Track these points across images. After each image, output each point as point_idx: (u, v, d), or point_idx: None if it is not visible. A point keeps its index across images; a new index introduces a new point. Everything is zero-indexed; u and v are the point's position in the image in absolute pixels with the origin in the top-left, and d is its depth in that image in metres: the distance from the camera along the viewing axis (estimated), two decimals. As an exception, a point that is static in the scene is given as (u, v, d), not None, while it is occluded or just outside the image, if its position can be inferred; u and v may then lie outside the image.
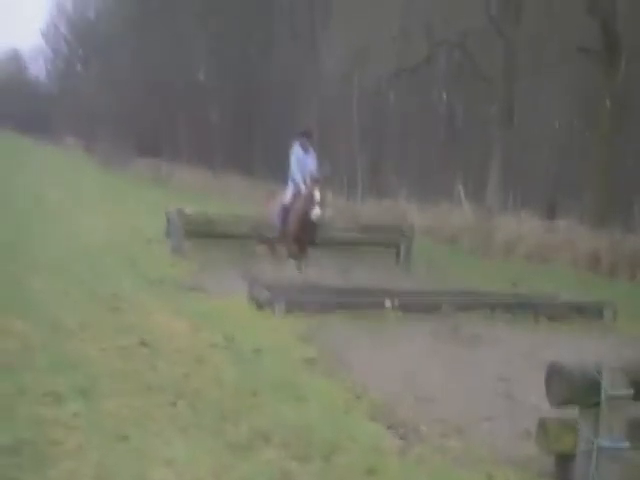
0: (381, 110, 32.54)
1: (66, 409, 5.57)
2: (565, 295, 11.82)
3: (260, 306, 9.86)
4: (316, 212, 12.09)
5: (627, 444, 4.95)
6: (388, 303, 9.78)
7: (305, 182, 12.74)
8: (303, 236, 12.72)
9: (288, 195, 13.14)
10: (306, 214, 12.28)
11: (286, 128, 35.63)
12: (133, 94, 44.92)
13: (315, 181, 12.49)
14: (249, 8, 36.56)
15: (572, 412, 5.06)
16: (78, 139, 62.78)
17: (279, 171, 31.87)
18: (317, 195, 12.16)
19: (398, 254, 16.35)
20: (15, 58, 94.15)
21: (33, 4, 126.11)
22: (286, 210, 13.02)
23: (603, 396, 4.91)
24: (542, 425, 5.21)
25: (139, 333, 7.89)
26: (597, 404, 4.93)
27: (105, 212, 20.37)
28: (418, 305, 9.94)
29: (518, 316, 10.55)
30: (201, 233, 15.44)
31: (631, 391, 4.97)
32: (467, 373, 7.69)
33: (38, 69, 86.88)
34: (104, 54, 52.22)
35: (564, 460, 5.10)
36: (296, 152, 13.14)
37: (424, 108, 32.14)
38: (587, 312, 11.23)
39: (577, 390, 4.98)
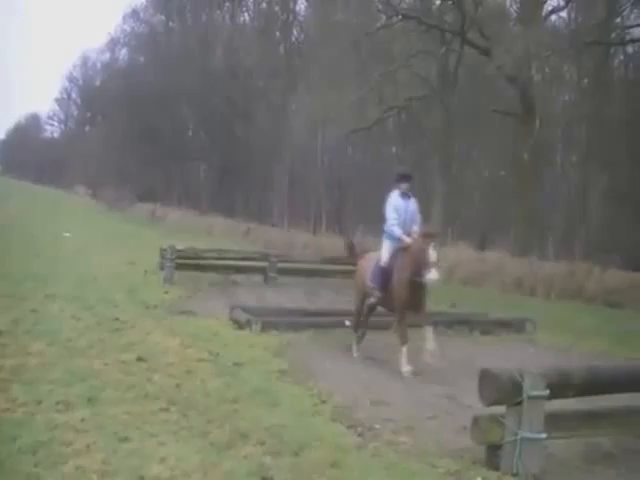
0: (341, 162, 32.81)
1: (75, 415, 5.50)
2: (494, 313, 11.89)
3: (240, 326, 9.80)
4: (432, 275, 7.94)
5: (545, 435, 5.00)
6: (348, 322, 9.74)
7: (410, 236, 8.66)
8: (412, 303, 8.38)
9: (386, 254, 8.83)
10: (416, 277, 8.19)
11: (262, 176, 35.89)
12: (132, 149, 44.85)
13: (429, 235, 8.32)
14: (230, 78, 36.88)
15: (500, 410, 5.08)
16: (86, 188, 62.47)
17: (255, 212, 32.11)
18: (433, 254, 8.01)
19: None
20: (35, 120, 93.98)
21: (49, 73, 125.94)
22: (386, 273, 8.73)
23: (525, 396, 4.96)
24: (475, 421, 5.22)
25: (137, 350, 7.81)
26: (520, 403, 4.98)
27: (109, 248, 20.18)
28: (373, 323, 9.91)
29: (457, 331, 10.60)
30: (190, 265, 15.41)
31: (547, 392, 5.02)
32: (415, 380, 7.68)
33: (53, 129, 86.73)
34: (108, 116, 52.12)
35: (493, 450, 5.11)
36: (394, 201, 8.84)
37: (377, 160, 32.53)
38: (512, 326, 11.32)
39: (503, 392, 5.03)
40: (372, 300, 9.07)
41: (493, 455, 5.11)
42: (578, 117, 26.78)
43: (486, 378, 5.11)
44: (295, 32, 40.87)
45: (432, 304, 13.06)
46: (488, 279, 18.04)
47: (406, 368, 8.00)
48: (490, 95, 24.32)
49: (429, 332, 8.16)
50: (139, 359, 7.42)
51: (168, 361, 7.54)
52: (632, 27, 21.98)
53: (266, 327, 9.54)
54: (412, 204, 8.93)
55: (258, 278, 15.82)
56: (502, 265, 18.40)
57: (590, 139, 24.69)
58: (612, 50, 24.73)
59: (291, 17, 39.09)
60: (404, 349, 8.18)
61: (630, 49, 26.21)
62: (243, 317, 9.91)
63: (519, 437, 4.95)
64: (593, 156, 24.49)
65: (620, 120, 24.93)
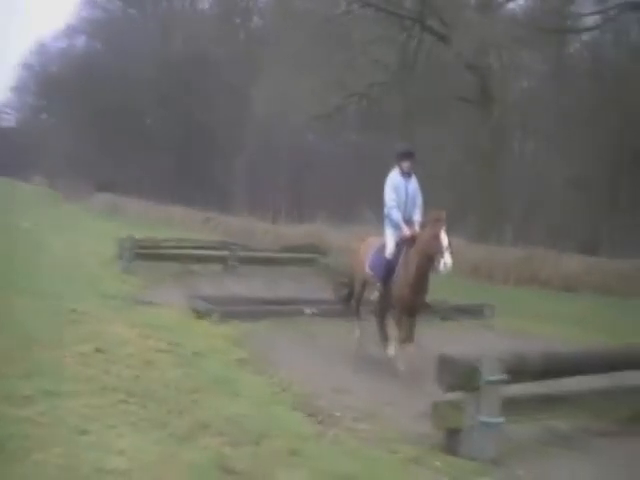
0: (302, 149, 32.74)
1: (34, 408, 5.40)
2: (453, 299, 11.99)
3: (199, 316, 9.74)
4: (446, 262, 7.36)
5: (502, 419, 5.07)
6: (307, 310, 9.76)
7: (410, 222, 8.19)
8: (414, 299, 7.89)
9: (390, 244, 8.21)
10: (426, 264, 7.66)
11: (222, 164, 35.67)
12: (90, 138, 44.17)
13: (439, 219, 7.59)
14: (191, 66, 36.53)
15: (459, 395, 5.13)
16: (44, 177, 61.35)
17: (216, 201, 31.90)
18: (445, 238, 7.44)
19: (316, 269, 16.42)
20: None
21: (2, 61, 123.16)
22: (389, 266, 8.13)
23: (482, 381, 5.02)
24: (435, 407, 5.29)
25: (96, 341, 7.67)
26: (478, 388, 5.03)
27: (66, 239, 19.86)
28: (333, 311, 9.93)
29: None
30: (149, 255, 15.25)
31: (505, 376, 5.08)
32: (376, 367, 7.73)
33: (9, 119, 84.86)
34: (65, 104, 51.20)
35: (453, 434, 5.18)
36: (394, 180, 8.22)
37: (338, 147, 32.55)
38: (471, 312, 11.46)
39: (462, 377, 5.09)
40: (376, 294, 8.45)
41: (452, 440, 5.18)
42: (537, 104, 27.13)
43: (444, 364, 5.17)
44: (255, 19, 40.69)
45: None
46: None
47: (401, 367, 7.66)
48: (450, 82, 24.42)
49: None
50: (97, 350, 7.30)
51: (127, 352, 7.44)
52: (586, 15, 22.22)
53: (226, 316, 9.51)
54: (413, 184, 8.30)
55: (218, 267, 15.74)
56: (460, 251, 18.54)
57: (549, 126, 25.01)
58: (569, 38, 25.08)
59: (251, 3, 38.85)
60: (391, 347, 8.02)
61: (585, 37, 26.62)
62: (202, 307, 9.86)
63: (477, 422, 5.02)
64: (552, 142, 24.83)
65: (578, 107, 25.29)
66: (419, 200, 8.34)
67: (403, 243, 8.06)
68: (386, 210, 8.23)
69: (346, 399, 6.34)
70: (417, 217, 8.27)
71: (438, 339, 8.92)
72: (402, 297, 7.88)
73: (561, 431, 5.76)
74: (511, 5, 24.71)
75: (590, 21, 22.12)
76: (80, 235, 21.50)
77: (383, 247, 8.32)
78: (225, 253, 15.90)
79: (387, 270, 8.12)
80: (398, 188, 8.17)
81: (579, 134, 23.71)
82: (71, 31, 53.59)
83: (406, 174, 8.19)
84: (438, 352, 5.32)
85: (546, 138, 25.32)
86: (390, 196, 8.17)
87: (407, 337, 7.83)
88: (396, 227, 8.17)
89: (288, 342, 8.69)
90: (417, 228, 8.10)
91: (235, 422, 5.41)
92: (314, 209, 25.77)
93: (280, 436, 5.18)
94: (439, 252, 7.38)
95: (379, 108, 26.24)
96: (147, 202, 36.73)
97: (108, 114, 40.85)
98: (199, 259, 15.81)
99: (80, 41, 52.60)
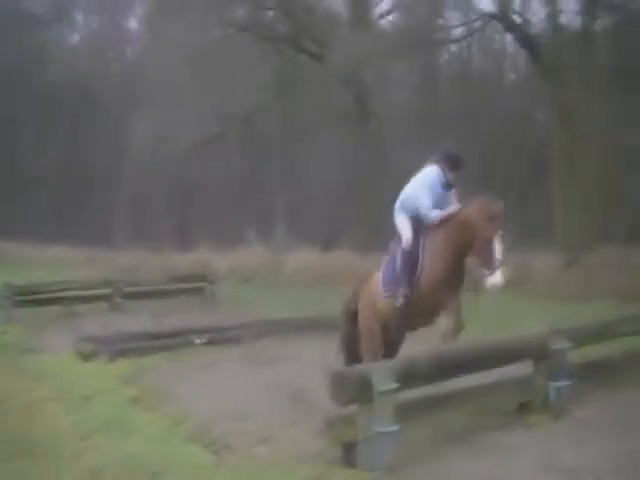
0: (185, 176, 32.51)
1: None
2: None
3: (86, 358, 9.48)
4: (496, 280, 5.79)
5: (396, 427, 5.20)
6: (197, 340, 9.69)
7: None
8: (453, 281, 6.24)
9: (407, 230, 6.49)
10: (454, 278, 6.18)
11: (104, 199, 34.86)
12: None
13: (494, 216, 5.88)
14: (65, 100, 35.62)
15: (353, 408, 5.23)
16: None
17: (99, 237, 31.04)
18: (499, 247, 5.80)
19: (204, 297, 16.45)
20: None
21: None
22: (413, 258, 6.35)
23: (375, 392, 5.12)
24: (330, 423, 5.36)
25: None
26: (372, 399, 5.13)
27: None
28: (223, 339, 9.90)
29: (307, 334, 10.75)
30: (30, 302, 14.72)
31: (396, 385, 5.22)
32: (270, 389, 7.71)
33: None
34: None
35: (350, 448, 5.26)
36: (432, 182, 6.49)
37: (221, 171, 32.55)
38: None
39: (354, 391, 5.17)
40: (398, 304, 6.37)
41: (349, 454, 5.26)
42: (411, 115, 28.10)
43: (336, 379, 5.24)
44: (129, 50, 40.36)
45: (282, 309, 13.33)
46: (335, 279, 18.50)
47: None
48: (329, 100, 24.92)
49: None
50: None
51: (13, 404, 7.18)
52: (453, 27, 23.22)
53: (114, 356, 9.30)
54: (451, 199, 6.54)
55: (104, 306, 15.39)
56: (347, 264, 18.96)
57: (422, 135, 25.93)
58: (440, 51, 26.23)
59: (123, 35, 38.53)
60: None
61: (454, 48, 27.84)
62: (89, 348, 9.62)
63: (372, 433, 5.13)
64: (427, 152, 25.68)
65: (449, 116, 26.40)
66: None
67: (428, 230, 6.41)
68: (423, 212, 6.41)
69: (243, 425, 6.31)
70: None
71: (328, 354, 8.89)
72: (436, 285, 6.13)
73: (454, 430, 5.95)
74: (382, 21, 25.64)
75: (457, 33, 23.15)
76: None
77: (389, 261, 6.68)
78: (110, 291, 15.57)
79: (410, 265, 6.34)
80: (437, 196, 6.46)
81: (453, 141, 24.69)
82: None
83: (447, 185, 6.53)
84: (330, 367, 5.40)
85: (420, 147, 26.21)
86: (426, 201, 6.39)
87: (459, 322, 6.21)
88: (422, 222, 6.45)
89: (180, 375, 8.57)
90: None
91: (130, 463, 5.31)
92: (199, 236, 25.58)
93: (176, 471, 5.13)
94: (489, 265, 5.75)
95: (259, 131, 26.48)
96: (24, 244, 35.29)
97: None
98: (83, 300, 15.40)
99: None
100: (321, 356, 9.05)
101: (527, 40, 19.18)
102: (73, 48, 41.60)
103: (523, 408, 6.33)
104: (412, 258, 6.35)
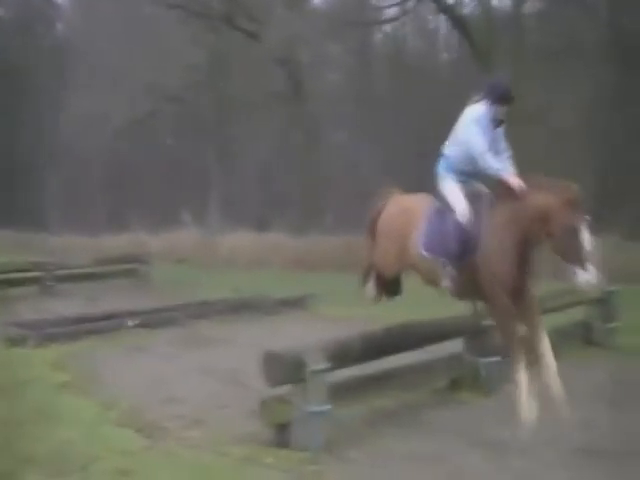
0: (118, 158, 31.85)
1: None
2: (278, 293, 12.13)
3: (14, 344, 9.19)
4: (589, 277, 4.85)
5: (330, 407, 5.23)
6: (130, 323, 9.53)
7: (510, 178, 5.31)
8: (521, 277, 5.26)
9: (459, 198, 5.55)
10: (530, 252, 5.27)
11: (31, 182, 33.82)
12: None
13: (575, 204, 4.92)
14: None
15: (286, 389, 5.23)
16: None
17: (27, 220, 30.13)
18: (588, 239, 4.88)
19: (138, 279, 16.26)
20: None
21: None
22: (469, 235, 5.37)
23: (307, 372, 5.13)
24: (263, 404, 5.36)
25: None
26: (304, 379, 5.15)
27: None
28: (157, 320, 9.76)
29: (242, 316, 10.75)
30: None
31: (329, 365, 5.24)
32: (204, 372, 7.67)
33: None
34: None
35: (283, 429, 5.27)
36: (479, 119, 5.53)
37: (155, 153, 32.05)
38: (295, 304, 11.72)
39: (287, 371, 5.18)
40: (445, 285, 5.56)
41: (283, 435, 5.28)
42: (345, 94, 28.14)
43: (269, 360, 5.23)
44: (59, 26, 39.12)
45: (217, 291, 13.25)
46: (270, 260, 18.51)
47: (528, 413, 5.15)
48: (263, 78, 24.72)
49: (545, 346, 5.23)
50: None
51: None
52: (387, 7, 23.30)
53: (43, 340, 9.02)
54: (501, 136, 5.73)
55: (34, 289, 14.94)
56: (282, 245, 18.97)
57: (358, 115, 26.05)
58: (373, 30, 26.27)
59: (52, 11, 37.34)
60: (521, 378, 5.19)
61: (388, 28, 27.98)
62: (16, 333, 9.32)
63: (306, 413, 5.15)
64: (362, 131, 25.85)
65: (383, 96, 26.53)
66: (506, 159, 5.71)
67: (489, 197, 5.49)
68: (480, 158, 5.42)
69: (176, 409, 6.25)
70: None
71: (264, 335, 9.01)
72: (503, 273, 5.20)
73: (388, 409, 6.03)
74: (317, 0, 25.55)
75: (391, 13, 23.26)
76: None
77: (438, 214, 5.68)
78: (40, 274, 15.14)
79: (462, 242, 5.38)
80: (487, 136, 5.54)
81: (387, 121, 24.89)
82: None
83: (496, 121, 5.61)
84: (266, 348, 5.37)
85: (356, 127, 26.34)
86: (478, 138, 5.44)
87: (536, 352, 5.22)
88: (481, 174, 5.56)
89: (112, 358, 8.41)
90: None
91: (60, 450, 5.19)
92: (133, 217, 25.16)
93: (108, 457, 5.04)
94: (578, 260, 4.85)
95: (194, 111, 26.14)
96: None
97: None
98: (12, 283, 14.90)
99: None
100: (253, 335, 9.11)
101: (459, 21, 19.41)
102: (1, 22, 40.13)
103: (455, 385, 6.44)
104: (469, 235, 5.38)
